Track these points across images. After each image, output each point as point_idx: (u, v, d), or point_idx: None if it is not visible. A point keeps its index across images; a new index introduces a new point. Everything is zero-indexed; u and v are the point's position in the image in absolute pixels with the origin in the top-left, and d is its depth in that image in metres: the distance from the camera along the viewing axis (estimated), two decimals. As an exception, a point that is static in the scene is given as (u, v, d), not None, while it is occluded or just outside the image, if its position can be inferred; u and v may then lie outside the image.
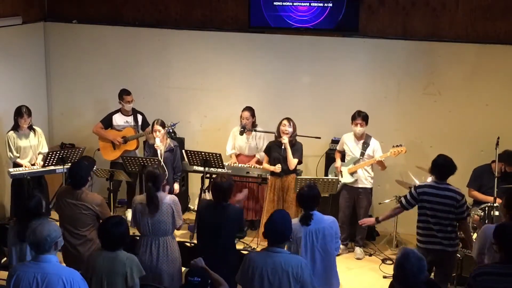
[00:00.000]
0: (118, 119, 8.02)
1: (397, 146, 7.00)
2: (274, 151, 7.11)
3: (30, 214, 4.91)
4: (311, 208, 5.07)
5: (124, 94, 7.91)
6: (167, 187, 6.93)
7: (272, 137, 7.47)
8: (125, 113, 8.02)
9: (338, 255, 7.14)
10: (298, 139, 7.48)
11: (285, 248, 4.62)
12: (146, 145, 7.64)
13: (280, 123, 7.05)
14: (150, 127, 7.54)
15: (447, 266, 5.66)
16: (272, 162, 7.12)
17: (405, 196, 5.81)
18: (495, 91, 7.47)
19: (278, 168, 7.04)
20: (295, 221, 5.12)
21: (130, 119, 8.03)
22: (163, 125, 7.25)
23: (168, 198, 5.42)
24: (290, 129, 6.99)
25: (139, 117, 8.05)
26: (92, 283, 4.47)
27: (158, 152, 7.18)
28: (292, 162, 6.98)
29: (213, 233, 5.23)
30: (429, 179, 6.12)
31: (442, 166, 5.66)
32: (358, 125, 7.05)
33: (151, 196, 5.35)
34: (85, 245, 5.53)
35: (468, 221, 5.76)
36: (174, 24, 8.38)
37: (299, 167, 7.58)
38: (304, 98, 8.06)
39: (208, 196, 7.80)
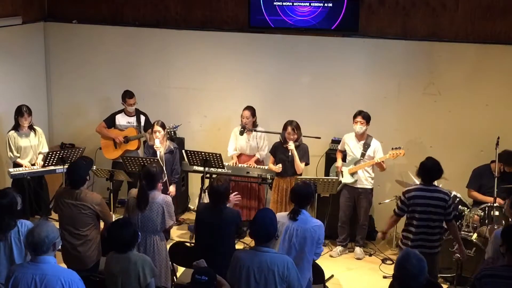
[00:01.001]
0: (121, 119, 8.03)
1: (396, 148, 7.00)
2: (280, 152, 7.13)
3: (2, 211, 4.66)
4: (301, 205, 5.10)
5: (126, 97, 7.92)
6: (170, 188, 6.94)
7: (272, 137, 7.49)
8: (128, 113, 8.04)
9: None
10: (299, 139, 7.51)
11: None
12: (145, 146, 7.64)
13: (286, 130, 7.03)
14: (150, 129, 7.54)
15: (433, 269, 5.64)
16: (277, 164, 7.13)
17: (397, 204, 5.86)
18: (495, 91, 7.46)
19: (278, 168, 7.04)
20: (284, 213, 5.19)
21: (133, 119, 8.04)
22: (163, 126, 7.23)
23: (160, 198, 5.45)
24: (296, 136, 7.00)
25: (142, 118, 8.07)
26: (108, 285, 4.50)
27: (158, 153, 7.16)
28: (300, 167, 7.02)
29: (212, 235, 5.23)
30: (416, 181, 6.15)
31: (431, 170, 5.69)
32: (358, 123, 7.05)
33: (142, 193, 5.39)
34: (85, 245, 5.53)
35: (455, 222, 5.78)
36: (174, 24, 8.38)
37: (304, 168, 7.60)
38: (304, 98, 8.06)
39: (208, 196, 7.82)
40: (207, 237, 5.28)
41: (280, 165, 7.06)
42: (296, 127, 7.03)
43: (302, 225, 5.03)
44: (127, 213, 5.55)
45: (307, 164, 7.18)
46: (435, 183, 5.88)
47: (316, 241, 5.06)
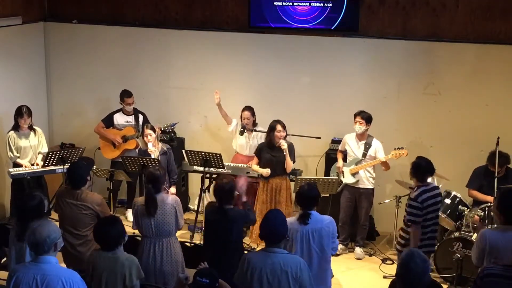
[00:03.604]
0: (119, 118, 8.03)
1: (398, 148, 6.99)
2: (265, 153, 7.05)
3: (30, 214, 4.78)
4: (309, 208, 5.08)
5: (125, 96, 7.92)
6: (170, 189, 6.92)
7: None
8: (126, 112, 8.04)
9: (337, 255, 7.21)
10: (298, 139, 7.49)
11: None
12: (138, 151, 7.55)
13: (274, 128, 6.94)
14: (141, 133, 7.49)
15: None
16: (263, 165, 7.06)
17: (410, 215, 5.76)
18: (495, 91, 7.47)
19: (267, 173, 7.00)
20: (292, 219, 5.14)
21: (131, 118, 8.04)
22: (153, 129, 7.19)
23: (170, 199, 5.42)
24: (284, 133, 6.95)
25: (140, 117, 8.06)
26: (92, 282, 4.47)
27: (152, 156, 7.14)
28: (291, 165, 6.98)
29: (219, 237, 5.21)
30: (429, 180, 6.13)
31: (425, 168, 5.80)
32: (358, 123, 7.04)
33: (150, 197, 5.34)
34: (85, 245, 5.53)
35: None
36: (174, 24, 8.38)
37: (297, 166, 7.59)
38: (304, 98, 8.06)
39: (208, 196, 7.81)
40: (214, 236, 5.25)
41: (268, 170, 6.99)
42: (284, 125, 6.99)
43: (315, 226, 5.02)
44: (136, 223, 5.45)
45: (294, 162, 7.13)
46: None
47: (331, 236, 5.08)
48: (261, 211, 6.97)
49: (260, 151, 7.15)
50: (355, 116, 7.07)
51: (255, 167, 7.17)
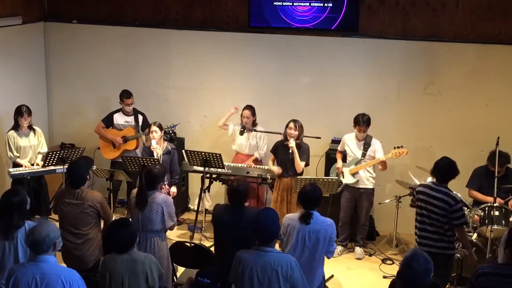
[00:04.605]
0: (119, 118, 8.03)
1: (398, 147, 6.99)
2: (280, 152, 7.09)
3: (13, 209, 4.71)
4: (311, 208, 5.08)
5: (124, 97, 7.92)
6: (166, 188, 6.92)
7: (272, 136, 7.48)
8: (125, 112, 8.03)
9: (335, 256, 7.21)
10: (300, 139, 7.51)
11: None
12: (143, 147, 7.61)
13: (287, 126, 7.01)
14: (147, 129, 7.53)
15: (441, 269, 5.60)
16: (278, 164, 7.11)
17: (411, 199, 5.96)
18: (495, 91, 7.47)
19: (278, 170, 7.04)
20: (294, 216, 5.15)
21: (131, 118, 8.03)
22: (160, 127, 7.22)
23: (160, 198, 5.44)
24: (296, 132, 6.95)
25: (140, 117, 8.06)
26: (112, 287, 4.45)
27: (155, 154, 7.15)
28: (300, 165, 6.97)
29: (234, 236, 5.16)
30: (429, 179, 6.11)
31: (443, 169, 5.63)
32: (362, 131, 7.04)
33: (142, 193, 5.42)
34: (86, 244, 5.54)
35: (464, 229, 5.72)
36: (174, 24, 8.38)
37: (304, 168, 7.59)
38: (304, 98, 8.06)
39: (208, 196, 7.81)
40: (229, 238, 5.17)
41: (280, 168, 7.04)
42: (299, 126, 6.99)
43: (314, 227, 5.02)
44: (129, 212, 5.56)
45: (307, 164, 7.12)
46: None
47: (328, 239, 5.06)
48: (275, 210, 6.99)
49: (276, 149, 7.17)
50: (358, 123, 7.02)
51: (270, 164, 7.22)
